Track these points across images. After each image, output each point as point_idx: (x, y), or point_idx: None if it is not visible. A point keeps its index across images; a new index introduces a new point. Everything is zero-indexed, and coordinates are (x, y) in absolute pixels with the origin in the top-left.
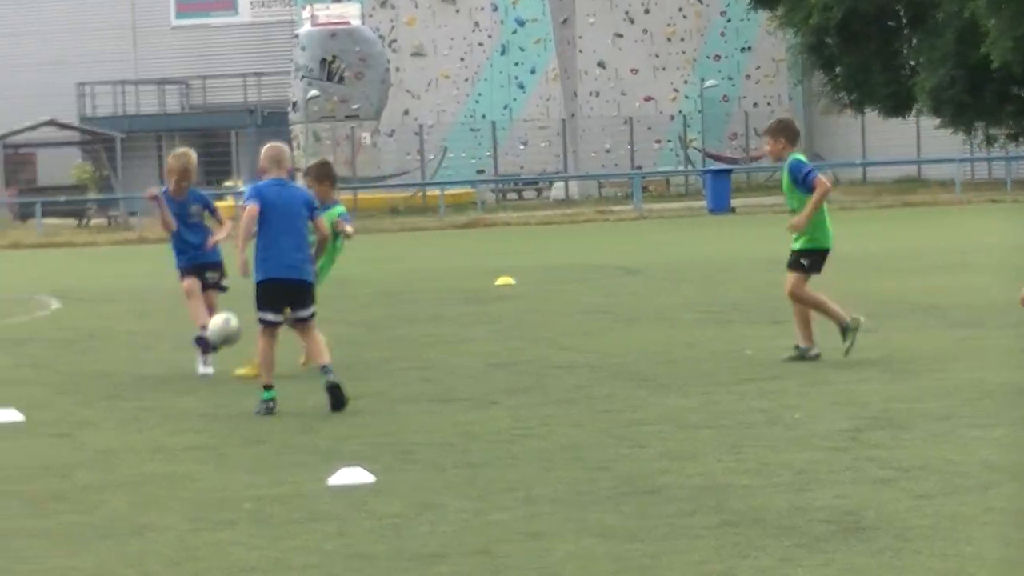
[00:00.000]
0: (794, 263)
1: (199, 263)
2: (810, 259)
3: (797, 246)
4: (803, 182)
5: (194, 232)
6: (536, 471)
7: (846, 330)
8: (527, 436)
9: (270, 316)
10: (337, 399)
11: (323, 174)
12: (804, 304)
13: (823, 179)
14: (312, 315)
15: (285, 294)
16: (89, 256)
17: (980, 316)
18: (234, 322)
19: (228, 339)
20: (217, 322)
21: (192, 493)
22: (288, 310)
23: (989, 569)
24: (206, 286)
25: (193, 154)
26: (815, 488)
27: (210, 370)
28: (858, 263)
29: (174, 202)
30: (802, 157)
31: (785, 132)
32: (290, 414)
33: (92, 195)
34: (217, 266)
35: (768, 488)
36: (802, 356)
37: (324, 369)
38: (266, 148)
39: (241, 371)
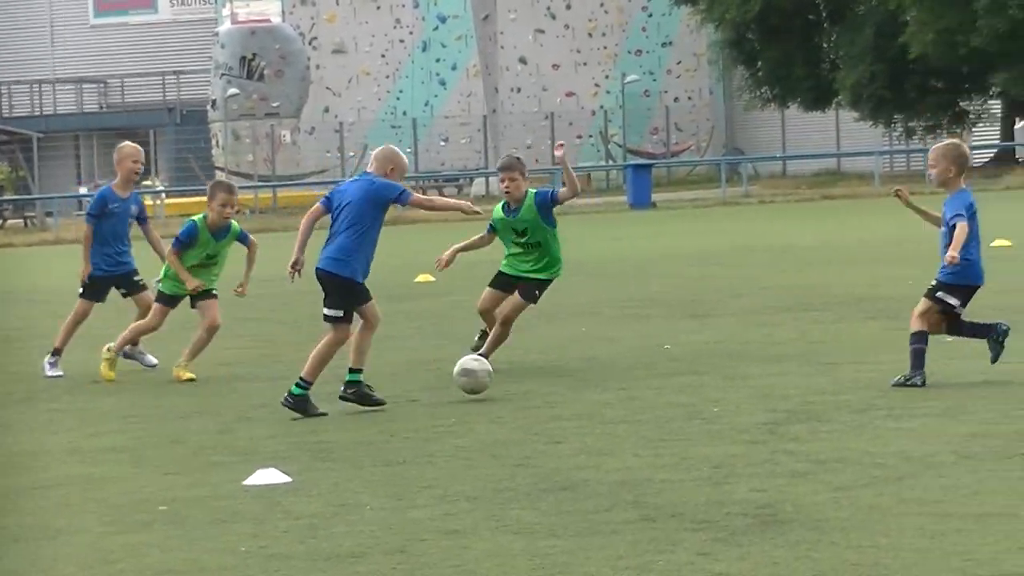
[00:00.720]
0: (528, 292)
1: (118, 275)
2: (542, 291)
3: (541, 276)
4: (550, 218)
5: (125, 240)
6: (454, 469)
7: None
8: (446, 434)
9: (324, 310)
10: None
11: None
12: (503, 329)
13: None
14: (338, 317)
15: (325, 286)
16: (5, 258)
17: (898, 308)
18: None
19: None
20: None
21: (108, 495)
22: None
23: (904, 560)
24: (135, 291)
25: None
26: (733, 482)
27: (60, 372)
28: (779, 256)
29: (120, 200)
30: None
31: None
32: (208, 414)
33: (8, 196)
34: (135, 271)
35: (686, 482)
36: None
37: (351, 372)
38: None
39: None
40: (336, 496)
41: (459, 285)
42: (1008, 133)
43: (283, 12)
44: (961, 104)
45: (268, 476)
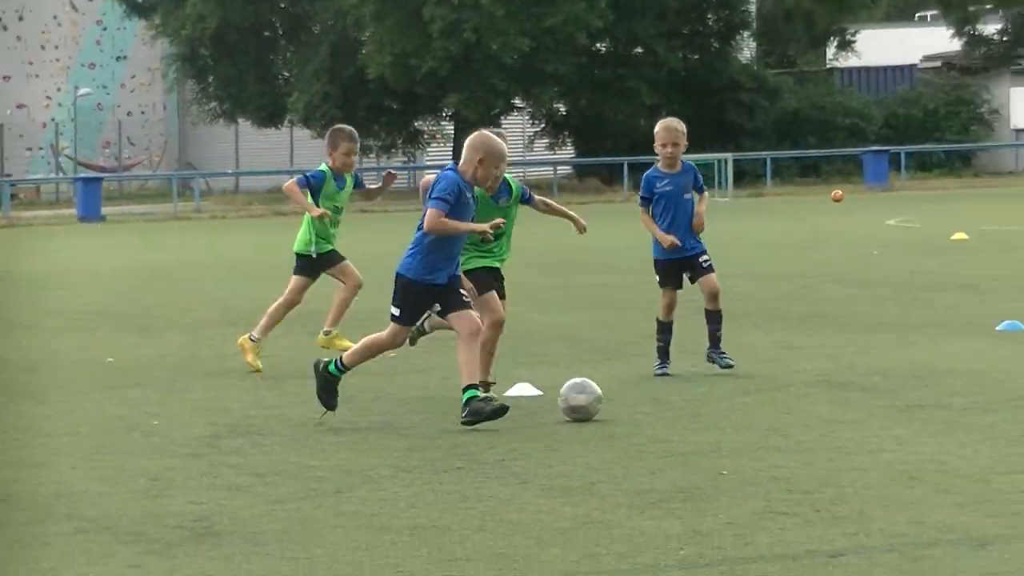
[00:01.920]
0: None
1: None
2: None
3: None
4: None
5: None
6: None
7: None
8: None
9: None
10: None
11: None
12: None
13: None
14: None
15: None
16: None
17: (358, 325)
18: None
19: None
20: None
21: None
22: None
23: (337, 571)
24: None
25: None
26: (169, 494)
27: None
28: (229, 271)
29: None
30: None
31: None
32: None
33: None
34: None
35: (123, 495)
36: None
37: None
38: None
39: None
40: None
41: None
42: (459, 153)
43: None
44: (416, 124)
45: None
